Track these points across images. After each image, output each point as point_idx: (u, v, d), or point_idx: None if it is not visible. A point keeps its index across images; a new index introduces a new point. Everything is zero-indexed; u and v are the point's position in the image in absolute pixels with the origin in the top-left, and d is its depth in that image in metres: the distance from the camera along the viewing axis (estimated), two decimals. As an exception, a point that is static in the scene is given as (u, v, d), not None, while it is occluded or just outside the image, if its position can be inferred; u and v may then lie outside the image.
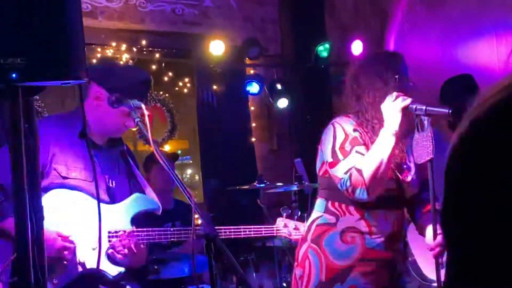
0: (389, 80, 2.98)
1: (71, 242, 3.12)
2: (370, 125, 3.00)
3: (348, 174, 2.84)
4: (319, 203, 3.15)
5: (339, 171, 2.90)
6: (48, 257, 2.67)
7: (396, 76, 2.98)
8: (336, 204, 3.06)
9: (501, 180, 0.78)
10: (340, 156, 2.92)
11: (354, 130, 2.99)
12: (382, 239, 3.01)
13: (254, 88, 7.18)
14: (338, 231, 3.02)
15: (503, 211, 0.77)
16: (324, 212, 3.09)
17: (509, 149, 0.77)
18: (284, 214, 3.79)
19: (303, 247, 3.13)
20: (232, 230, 3.56)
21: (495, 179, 0.78)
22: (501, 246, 0.78)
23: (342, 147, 2.94)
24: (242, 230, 3.59)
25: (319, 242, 3.05)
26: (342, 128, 3.00)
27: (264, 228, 3.77)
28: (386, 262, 3.04)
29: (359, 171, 2.83)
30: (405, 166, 3.02)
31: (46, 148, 3.13)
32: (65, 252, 3.08)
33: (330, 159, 2.96)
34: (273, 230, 3.75)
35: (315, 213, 3.16)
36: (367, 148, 2.94)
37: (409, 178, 3.02)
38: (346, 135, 2.97)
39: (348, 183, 2.84)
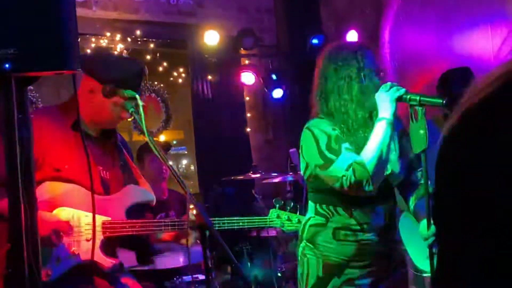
0: (353, 82, 2.95)
1: (68, 224, 3.11)
2: (345, 126, 2.98)
3: (351, 169, 2.81)
4: (310, 205, 3.16)
5: (336, 170, 2.86)
6: (43, 246, 2.67)
7: (362, 74, 2.95)
8: (324, 206, 3.05)
9: (493, 171, 0.78)
10: (331, 156, 2.88)
11: (333, 129, 2.97)
12: (375, 233, 3.01)
13: (249, 78, 7.17)
14: (330, 230, 3.03)
15: (495, 201, 0.77)
16: (315, 214, 3.10)
17: (499, 140, 0.77)
18: (277, 206, 3.80)
19: (300, 247, 3.15)
20: (226, 221, 3.57)
21: (486, 170, 0.78)
22: (494, 236, 0.78)
23: (329, 147, 2.90)
24: (235, 221, 3.61)
25: (314, 241, 3.06)
26: (320, 129, 2.97)
27: (258, 219, 3.79)
28: (382, 254, 3.05)
29: (362, 164, 2.81)
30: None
31: (39, 140, 3.12)
32: (58, 241, 3.08)
33: (320, 162, 2.91)
34: (266, 221, 3.77)
35: (308, 214, 3.17)
36: (351, 145, 2.93)
37: (387, 171, 3.01)
38: (328, 135, 2.93)
39: (352, 179, 2.81)
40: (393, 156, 3.05)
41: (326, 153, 2.89)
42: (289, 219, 3.71)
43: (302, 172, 3.16)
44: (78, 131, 3.14)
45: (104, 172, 3.34)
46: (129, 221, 3.28)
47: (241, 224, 3.64)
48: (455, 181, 0.84)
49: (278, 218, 3.77)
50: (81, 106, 3.27)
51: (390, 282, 3.09)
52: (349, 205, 2.99)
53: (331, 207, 3.03)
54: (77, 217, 3.16)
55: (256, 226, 3.84)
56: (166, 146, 5.67)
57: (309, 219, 3.13)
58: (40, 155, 3.12)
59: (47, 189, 3.11)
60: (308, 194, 3.21)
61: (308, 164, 3.04)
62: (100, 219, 3.17)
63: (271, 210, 3.79)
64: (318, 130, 2.96)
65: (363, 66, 2.95)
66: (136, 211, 3.39)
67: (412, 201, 3.14)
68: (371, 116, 2.95)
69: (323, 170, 2.90)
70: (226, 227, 3.57)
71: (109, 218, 3.23)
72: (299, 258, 3.17)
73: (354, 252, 3.00)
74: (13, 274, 1.92)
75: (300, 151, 3.10)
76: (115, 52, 6.48)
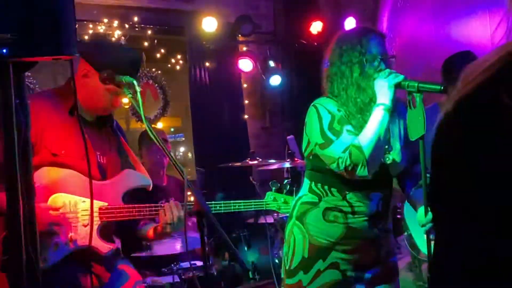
0: (355, 66, 2.96)
1: (63, 216, 3.12)
2: (349, 109, 2.98)
3: (347, 152, 2.82)
4: (305, 182, 3.17)
5: (334, 151, 2.87)
6: (40, 232, 2.67)
7: (364, 59, 2.95)
8: (319, 185, 3.06)
9: (486, 159, 0.78)
10: (331, 136, 2.90)
11: (338, 110, 2.98)
12: (366, 219, 3.01)
13: (246, 65, 7.16)
14: (320, 210, 3.03)
15: (489, 191, 0.78)
16: (308, 192, 3.11)
17: (492, 129, 0.78)
18: (274, 188, 3.80)
19: (289, 224, 3.16)
20: (223, 204, 3.57)
21: (479, 158, 0.79)
22: (488, 223, 0.79)
23: (331, 127, 2.92)
24: (232, 204, 3.61)
25: (303, 220, 3.06)
26: (326, 108, 2.98)
27: (254, 202, 3.78)
28: (370, 240, 3.04)
29: (359, 148, 2.82)
30: (386, 147, 3.00)
31: (36, 124, 3.12)
32: (55, 227, 3.08)
33: (320, 140, 2.93)
34: (263, 204, 3.77)
35: (301, 192, 3.17)
36: (354, 128, 2.94)
37: (389, 160, 3.01)
38: (332, 115, 2.95)
39: (348, 161, 2.82)
40: (398, 145, 3.05)
41: (328, 132, 2.90)
42: (285, 202, 3.72)
43: (303, 149, 3.16)
44: (75, 116, 3.15)
45: (101, 157, 3.35)
46: (126, 205, 3.28)
47: (237, 207, 3.64)
48: (449, 168, 0.84)
49: (274, 201, 3.77)
50: (81, 90, 3.28)
51: (379, 270, 3.09)
52: (344, 188, 2.99)
53: (326, 187, 3.03)
54: (74, 203, 3.16)
55: (253, 209, 3.84)
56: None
57: (301, 196, 3.14)
58: (38, 139, 3.12)
59: (44, 175, 3.11)
60: (305, 172, 3.21)
61: (309, 141, 3.05)
62: (97, 204, 3.17)
63: (267, 193, 3.79)
64: (323, 108, 2.98)
65: (365, 51, 2.95)
66: (134, 195, 3.40)
67: (410, 192, 3.15)
68: (371, 101, 2.95)
69: (322, 149, 2.92)
70: (222, 211, 3.57)
71: (106, 203, 3.24)
72: (286, 236, 3.17)
73: (341, 234, 3.00)
74: (11, 261, 1.92)
75: (304, 127, 3.10)
76: (113, 39, 6.46)
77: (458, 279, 0.85)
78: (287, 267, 3.11)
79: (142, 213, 3.31)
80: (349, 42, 3.01)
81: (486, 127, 0.79)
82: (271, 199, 3.76)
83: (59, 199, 3.14)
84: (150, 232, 3.47)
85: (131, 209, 3.28)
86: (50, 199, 3.11)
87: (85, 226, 3.13)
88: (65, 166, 3.17)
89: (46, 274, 2.95)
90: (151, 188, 3.43)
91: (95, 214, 3.17)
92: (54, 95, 3.32)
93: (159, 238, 3.57)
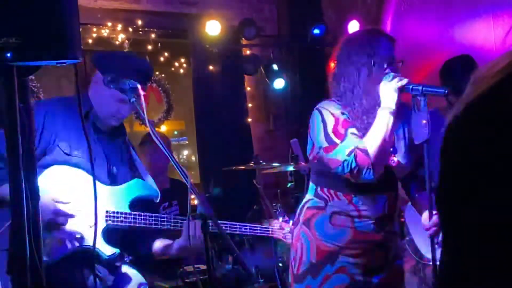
0: (362, 68, 2.96)
1: (69, 211, 3.15)
2: (354, 110, 2.98)
3: (352, 155, 2.82)
4: (310, 187, 3.16)
5: (339, 154, 2.87)
6: (44, 222, 2.70)
7: (372, 61, 2.95)
8: (325, 189, 3.06)
9: (495, 163, 0.78)
10: (335, 139, 2.89)
11: (342, 113, 2.97)
12: (372, 222, 3.01)
13: (250, 68, 7.16)
14: (327, 214, 3.03)
15: (497, 195, 0.78)
16: (314, 196, 3.10)
17: (501, 132, 0.77)
18: (280, 218, 3.87)
19: (295, 230, 3.15)
20: (228, 225, 3.60)
21: (489, 161, 0.79)
22: (496, 227, 0.79)
23: (335, 131, 2.91)
24: (238, 226, 3.65)
25: (310, 225, 3.06)
26: (330, 112, 2.98)
27: (260, 227, 3.84)
28: (377, 244, 3.04)
29: (364, 151, 2.82)
30: (391, 149, 3.00)
31: (52, 127, 3.18)
32: (59, 218, 3.11)
33: (325, 144, 2.93)
34: (269, 230, 3.83)
35: (307, 196, 3.17)
36: (358, 131, 2.93)
37: (393, 162, 3.01)
38: (336, 118, 2.94)
39: (353, 164, 2.82)
40: (402, 147, 3.05)
41: (332, 136, 2.90)
42: (291, 232, 3.74)
43: (307, 153, 3.16)
44: (88, 121, 3.22)
45: (112, 166, 3.39)
46: (132, 212, 3.32)
47: (243, 229, 3.68)
48: (459, 171, 0.84)
49: (280, 230, 3.84)
50: (93, 100, 3.34)
51: (385, 275, 3.08)
52: (350, 191, 2.99)
53: (332, 191, 3.03)
54: (82, 203, 3.19)
55: (258, 234, 3.88)
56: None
57: (307, 201, 3.13)
58: (51, 140, 3.18)
59: (56, 172, 3.16)
60: (310, 176, 3.21)
61: (314, 145, 3.05)
62: (104, 207, 3.21)
63: (274, 222, 3.86)
64: (327, 112, 2.97)
65: (374, 54, 2.95)
66: (141, 205, 3.42)
67: (414, 195, 3.15)
68: (376, 104, 2.94)
69: (327, 153, 2.92)
70: (228, 231, 3.59)
71: (113, 208, 3.27)
72: (293, 241, 3.16)
73: (348, 238, 3.00)
74: (14, 258, 1.93)
75: (308, 131, 3.10)
76: (117, 42, 6.48)
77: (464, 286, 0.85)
78: (294, 272, 3.11)
79: (147, 221, 3.34)
80: (357, 43, 3.01)
81: (498, 130, 0.79)
82: (277, 227, 3.84)
83: (67, 198, 3.17)
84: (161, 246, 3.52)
85: (136, 216, 3.31)
86: (59, 197, 3.14)
87: (91, 227, 3.15)
88: (76, 167, 3.23)
89: (50, 271, 2.96)
90: (158, 199, 3.47)
91: (102, 216, 3.21)
92: (72, 101, 3.35)
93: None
